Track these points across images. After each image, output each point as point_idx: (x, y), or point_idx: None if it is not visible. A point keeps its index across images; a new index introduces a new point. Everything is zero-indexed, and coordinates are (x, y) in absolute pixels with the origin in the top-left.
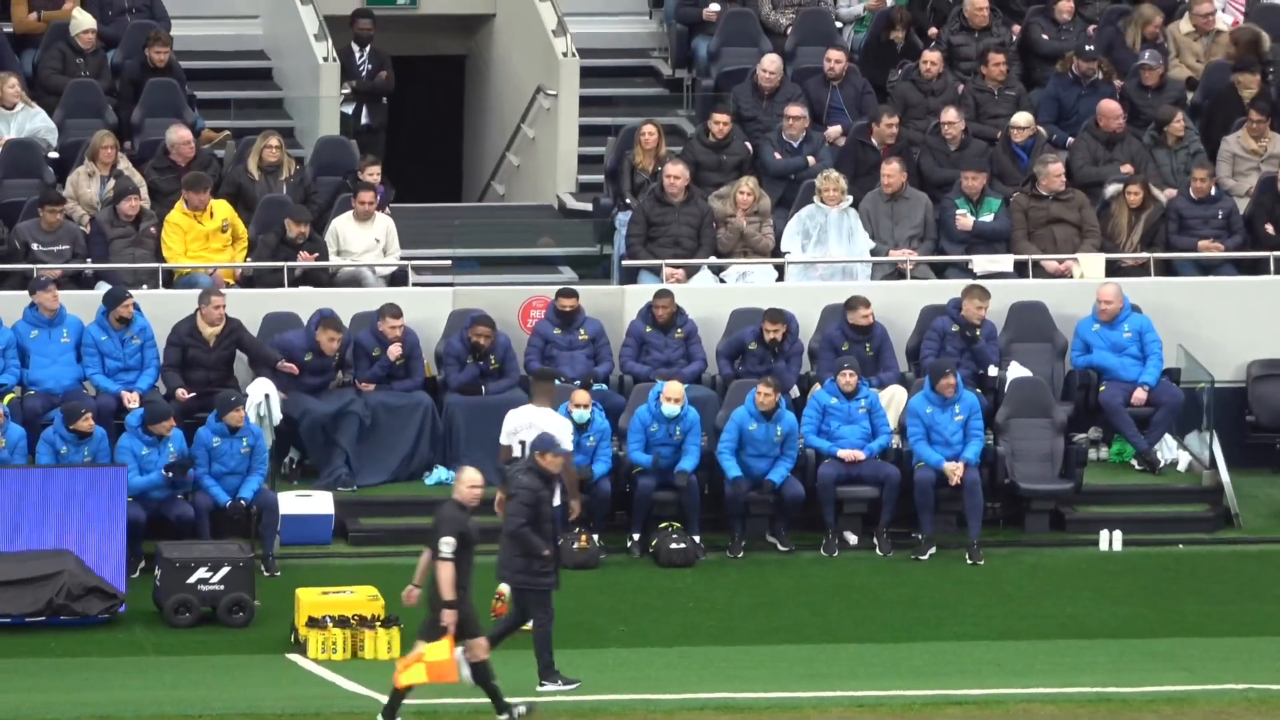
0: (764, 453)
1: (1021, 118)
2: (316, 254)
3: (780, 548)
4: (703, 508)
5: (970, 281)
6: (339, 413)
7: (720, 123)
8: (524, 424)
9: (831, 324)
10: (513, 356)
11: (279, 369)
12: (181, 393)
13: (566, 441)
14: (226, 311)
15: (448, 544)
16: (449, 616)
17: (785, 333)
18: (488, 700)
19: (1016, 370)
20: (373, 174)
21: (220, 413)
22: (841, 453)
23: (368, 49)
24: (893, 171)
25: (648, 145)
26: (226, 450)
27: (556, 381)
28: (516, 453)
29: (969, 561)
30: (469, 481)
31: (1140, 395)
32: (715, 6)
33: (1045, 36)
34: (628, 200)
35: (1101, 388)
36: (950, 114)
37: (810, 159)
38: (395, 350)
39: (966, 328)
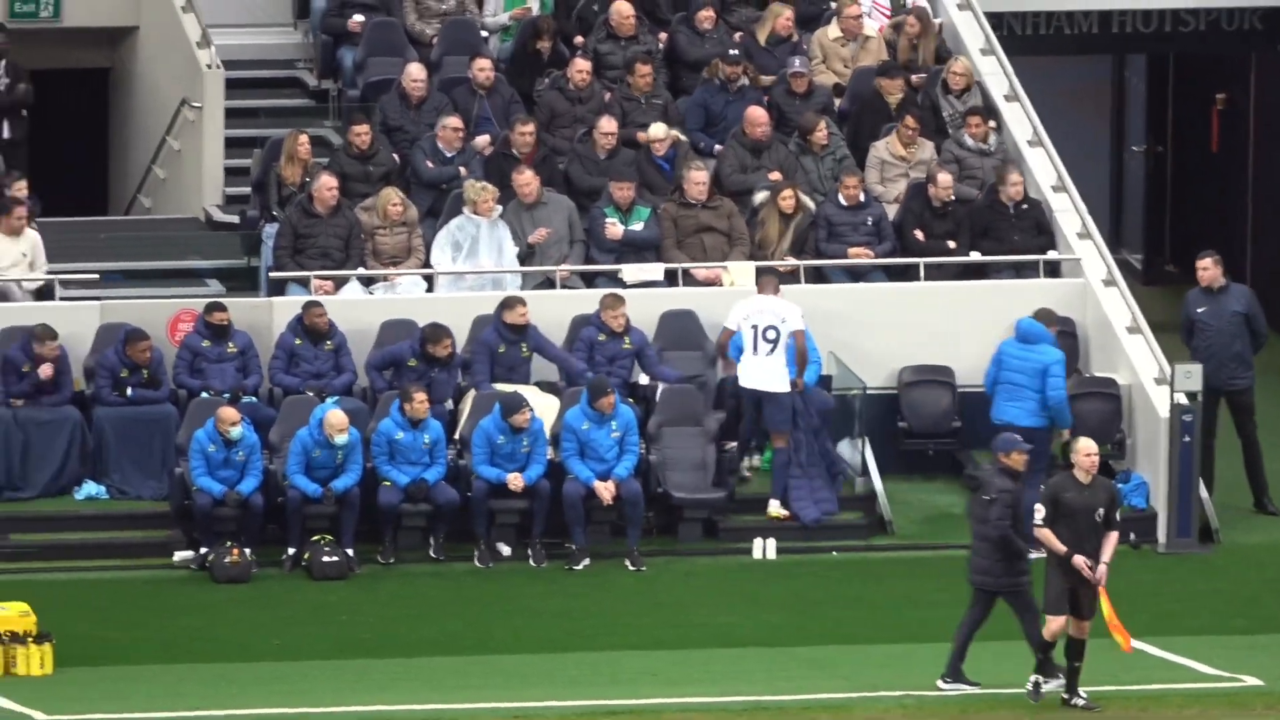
0: (414, 460)
1: (657, 129)
2: None
3: (434, 556)
4: (359, 519)
5: (605, 291)
6: None
7: (360, 134)
8: (754, 310)
9: (486, 327)
10: (164, 370)
11: None
12: None
13: (798, 319)
14: None
15: (1039, 512)
16: (1079, 562)
17: (450, 346)
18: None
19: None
20: (20, 189)
21: None
22: (510, 480)
23: (3, 62)
24: (525, 179)
25: (301, 155)
26: None
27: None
28: (737, 330)
29: (630, 567)
30: (1085, 450)
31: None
32: (360, 17)
33: (691, 47)
34: (274, 212)
35: None
36: (609, 124)
37: (462, 169)
38: (47, 370)
39: (614, 336)
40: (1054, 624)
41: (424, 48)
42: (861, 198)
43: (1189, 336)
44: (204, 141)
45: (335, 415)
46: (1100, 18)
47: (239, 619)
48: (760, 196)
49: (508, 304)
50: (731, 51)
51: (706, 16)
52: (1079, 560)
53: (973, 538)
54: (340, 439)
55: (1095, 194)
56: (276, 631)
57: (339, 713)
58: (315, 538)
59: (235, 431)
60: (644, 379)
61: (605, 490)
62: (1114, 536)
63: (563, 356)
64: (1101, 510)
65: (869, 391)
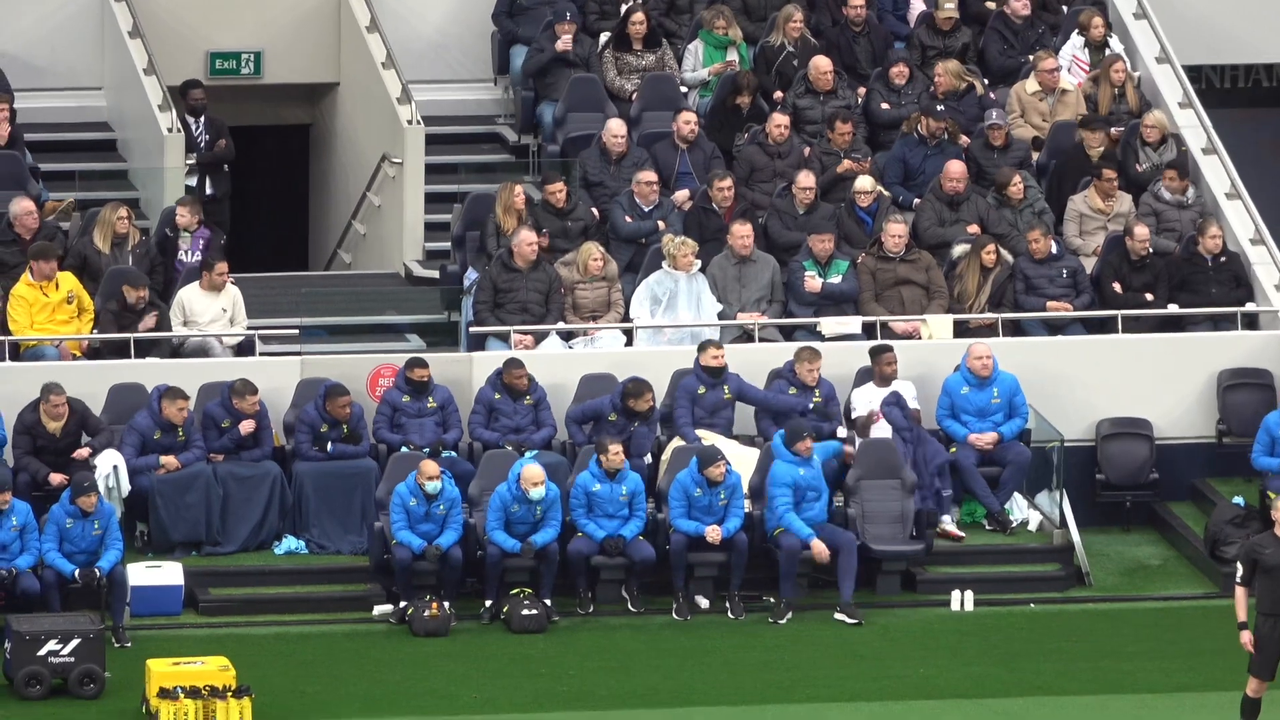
0: (612, 513)
1: (864, 182)
2: (158, 313)
3: (631, 608)
4: (558, 572)
5: (800, 344)
6: (189, 483)
7: (554, 192)
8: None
9: (687, 373)
10: (364, 425)
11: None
12: (56, 477)
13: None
14: (69, 395)
15: (1238, 571)
16: (1246, 640)
17: (651, 401)
18: None
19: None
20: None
21: (74, 495)
22: (708, 533)
23: (202, 119)
24: (745, 234)
25: (517, 205)
26: (78, 533)
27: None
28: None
29: (850, 620)
30: None
31: (990, 437)
32: None
33: (885, 106)
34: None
35: (953, 449)
36: (807, 179)
37: (661, 223)
38: (248, 425)
39: (805, 389)
40: (1253, 683)
41: (624, 103)
42: (1053, 249)
43: None
44: (404, 197)
45: (530, 469)
46: None
47: (438, 672)
48: (959, 250)
49: (702, 347)
50: (939, 108)
51: (899, 72)
52: (1246, 638)
53: None
54: (536, 493)
55: None
56: (476, 684)
57: None
58: (514, 591)
59: (435, 486)
60: (841, 431)
61: (820, 550)
62: None
63: (767, 396)
64: None
65: (1066, 443)
